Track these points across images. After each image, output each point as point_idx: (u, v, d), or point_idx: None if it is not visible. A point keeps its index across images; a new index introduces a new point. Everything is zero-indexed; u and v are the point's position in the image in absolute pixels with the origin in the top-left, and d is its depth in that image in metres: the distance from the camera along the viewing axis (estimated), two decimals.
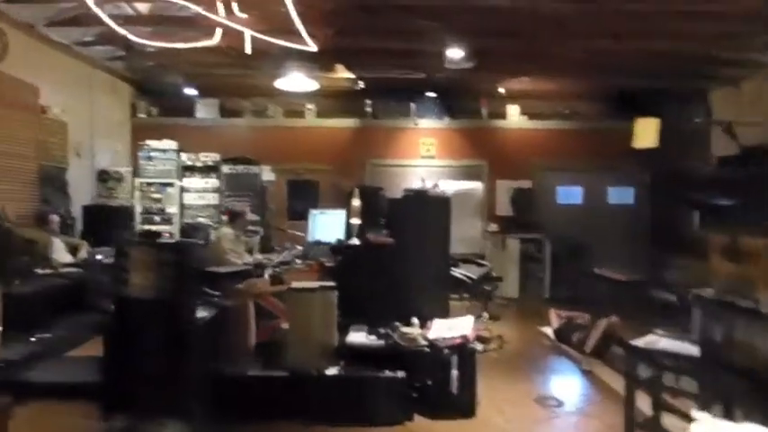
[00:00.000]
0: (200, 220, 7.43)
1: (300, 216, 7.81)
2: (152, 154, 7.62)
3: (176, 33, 7.14)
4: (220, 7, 6.01)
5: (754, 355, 2.41)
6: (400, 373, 3.91)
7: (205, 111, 9.31)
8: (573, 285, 8.24)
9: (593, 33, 6.71)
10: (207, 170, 7.65)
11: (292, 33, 5.93)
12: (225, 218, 6.13)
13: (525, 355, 5.70)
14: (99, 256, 5.99)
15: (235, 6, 6.24)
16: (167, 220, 7.40)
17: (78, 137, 7.56)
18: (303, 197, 9.33)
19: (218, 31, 6.52)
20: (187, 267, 3.63)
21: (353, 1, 6.40)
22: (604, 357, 5.17)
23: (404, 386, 3.91)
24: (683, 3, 5.79)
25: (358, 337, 4.17)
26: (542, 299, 8.58)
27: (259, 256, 4.65)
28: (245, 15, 6.35)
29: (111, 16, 6.15)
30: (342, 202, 6.24)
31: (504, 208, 9.32)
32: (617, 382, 4.61)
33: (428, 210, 4.94)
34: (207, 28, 6.78)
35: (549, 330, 6.03)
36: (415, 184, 5.23)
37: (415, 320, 4.29)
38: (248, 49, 6.25)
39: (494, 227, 9.13)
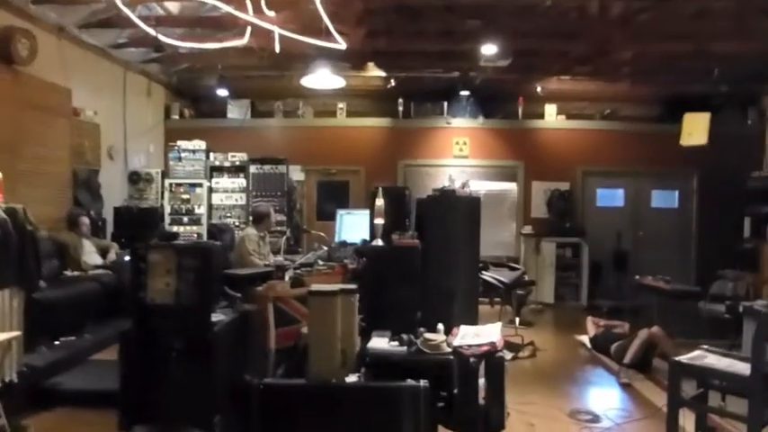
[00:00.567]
0: (227, 220, 7.39)
1: (330, 216, 7.73)
2: (182, 155, 7.63)
3: (207, 35, 7.17)
4: (250, 7, 5.98)
5: None
6: (423, 383, 3.70)
7: (237, 112, 9.32)
8: (612, 293, 7.89)
9: (642, 33, 6.38)
10: (235, 170, 7.63)
11: (323, 32, 5.85)
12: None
13: (559, 364, 5.42)
14: (128, 258, 5.98)
15: (264, 6, 6.21)
16: (195, 220, 7.39)
17: (111, 139, 7.64)
18: (333, 197, 9.25)
19: (248, 31, 6.52)
20: (207, 271, 3.53)
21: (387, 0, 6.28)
22: (645, 370, 4.86)
23: (427, 396, 3.70)
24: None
25: (380, 343, 3.98)
26: (579, 306, 8.23)
27: (280, 258, 4.54)
28: (273, 14, 6.31)
29: (142, 17, 6.21)
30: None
31: (539, 210, 9.01)
32: (658, 398, 4.31)
33: (456, 210, 4.72)
34: (237, 28, 6.79)
35: (585, 339, 5.73)
36: (442, 183, 5.01)
37: (441, 327, 4.07)
38: (278, 48, 6.19)
39: (528, 230, 8.82)
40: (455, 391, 3.76)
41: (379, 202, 4.63)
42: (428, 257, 4.60)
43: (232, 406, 3.67)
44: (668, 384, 2.87)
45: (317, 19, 5.63)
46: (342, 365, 3.89)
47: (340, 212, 7.52)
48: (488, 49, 6.61)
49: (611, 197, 9.18)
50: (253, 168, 7.59)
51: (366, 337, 4.23)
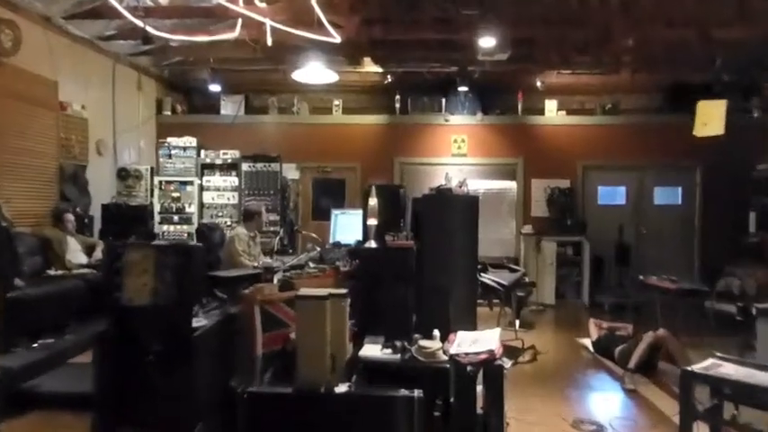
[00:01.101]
0: (219, 219, 7.18)
1: (326, 216, 7.53)
2: (172, 152, 7.42)
3: (198, 27, 6.95)
4: None
5: None
6: (417, 392, 3.50)
7: (230, 107, 9.11)
8: (615, 293, 7.69)
9: (643, 19, 6.17)
10: (227, 168, 7.42)
11: (315, 24, 5.64)
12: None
13: (561, 369, 5.22)
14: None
15: None
16: (186, 219, 7.19)
17: (100, 134, 7.43)
18: (329, 196, 9.06)
19: (239, 23, 6.30)
20: (187, 271, 3.32)
21: None
22: (650, 374, 4.66)
23: (422, 406, 3.50)
24: None
25: (372, 350, 3.79)
26: (581, 306, 8.04)
27: (269, 260, 4.33)
28: (264, 5, 6.09)
29: (130, 8, 5.99)
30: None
31: (539, 208, 8.80)
32: (666, 404, 4.12)
33: (453, 210, 4.52)
34: (229, 20, 6.58)
35: (587, 342, 5.53)
36: (439, 181, 4.81)
37: (437, 333, 3.87)
38: (269, 41, 5.98)
39: (529, 228, 8.62)
40: (451, 400, 3.57)
41: (373, 201, 4.42)
42: (423, 259, 4.40)
43: (216, 413, 3.48)
44: (680, 396, 2.68)
45: (309, 10, 5.43)
46: (331, 372, 3.70)
47: (335, 212, 7.28)
48: (486, 42, 6.39)
49: (613, 194, 8.99)
50: (245, 166, 7.38)
51: (358, 342, 4.04)
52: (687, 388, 2.60)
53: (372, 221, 4.43)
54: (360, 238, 5.12)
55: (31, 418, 3.83)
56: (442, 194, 4.47)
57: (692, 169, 8.68)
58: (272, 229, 7.11)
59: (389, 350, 3.76)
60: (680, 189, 8.90)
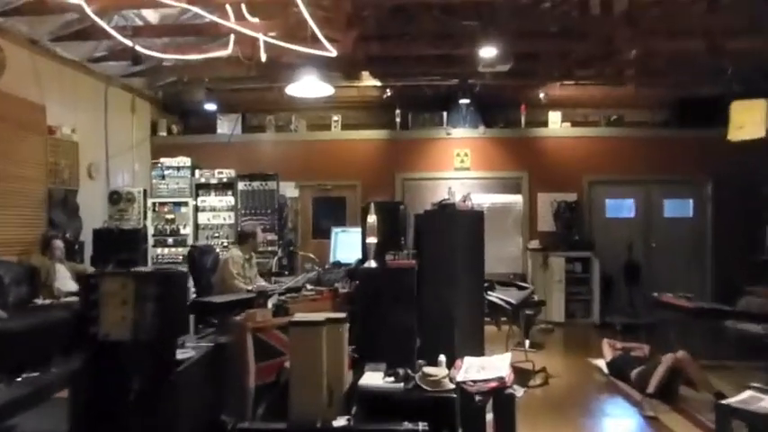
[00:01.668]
0: (214, 241, 6.95)
1: (326, 234, 7.31)
2: (165, 172, 7.22)
3: (190, 45, 6.80)
4: (231, 14, 5.59)
5: None
6: (422, 425, 3.22)
7: (227, 127, 8.94)
8: (625, 309, 7.39)
9: (649, 31, 5.97)
10: (222, 187, 7.20)
11: (310, 39, 5.47)
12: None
13: (575, 393, 4.91)
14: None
15: (246, 11, 5.81)
16: (181, 242, 6.96)
17: (91, 157, 7.23)
18: (329, 214, 8.84)
19: (231, 39, 6.13)
20: (169, 300, 3.07)
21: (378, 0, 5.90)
22: (671, 400, 4.36)
23: None
24: None
25: (373, 379, 3.52)
26: (591, 323, 7.73)
27: (262, 282, 4.08)
28: (257, 20, 5.92)
29: (118, 28, 5.83)
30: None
31: (546, 223, 8.54)
32: None
33: (457, 226, 4.28)
34: (221, 38, 6.42)
35: (601, 363, 5.23)
36: (442, 197, 4.57)
37: (442, 359, 3.61)
38: (263, 57, 5.81)
39: (535, 244, 8.35)
40: None
41: (372, 219, 4.19)
42: (426, 279, 4.16)
43: None
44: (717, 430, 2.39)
45: (304, 25, 5.25)
46: (328, 405, 3.42)
47: (335, 230, 7.09)
48: (487, 52, 6.20)
49: (621, 207, 8.72)
50: (241, 185, 7.16)
51: (358, 370, 3.77)
52: (724, 424, 2.31)
53: (371, 240, 4.19)
54: (360, 257, 4.88)
55: None
56: (445, 210, 4.24)
57: (703, 182, 8.42)
58: (269, 249, 6.87)
59: (392, 379, 3.49)
60: (691, 201, 8.63)
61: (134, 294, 2.99)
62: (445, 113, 8.77)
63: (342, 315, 3.67)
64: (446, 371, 3.48)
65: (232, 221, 7.10)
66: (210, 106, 8.79)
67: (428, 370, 3.43)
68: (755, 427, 2.19)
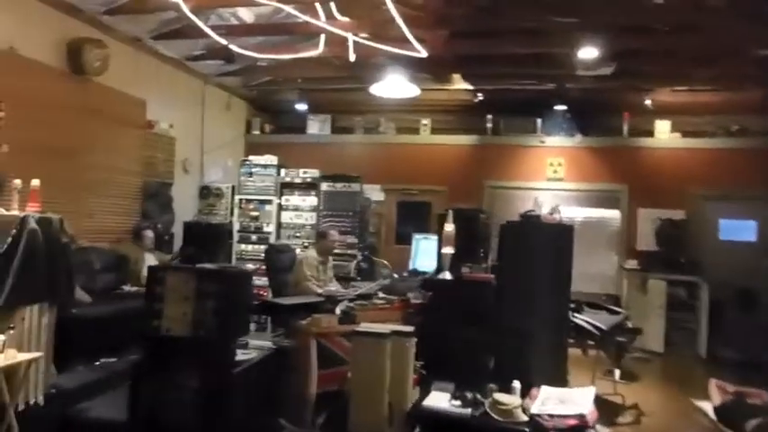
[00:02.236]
0: (296, 240, 6.94)
1: (409, 240, 7.12)
2: (253, 170, 7.33)
3: (282, 45, 6.88)
4: (321, 13, 5.54)
5: None
6: None
7: (317, 127, 9.02)
8: (739, 346, 6.53)
9: None
10: (306, 187, 7.19)
11: (400, 39, 5.32)
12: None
13: None
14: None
15: (336, 11, 5.75)
16: (264, 239, 7.02)
17: (187, 152, 7.51)
18: (413, 220, 8.62)
19: (322, 39, 6.11)
20: (230, 299, 3.00)
21: None
22: None
23: None
24: None
25: (439, 400, 3.26)
26: (696, 359, 6.93)
27: (332, 287, 3.94)
28: (346, 19, 5.85)
29: (214, 27, 5.97)
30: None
31: (646, 242, 7.82)
32: None
33: (542, 240, 3.91)
34: (312, 38, 6.42)
35: (707, 407, 4.59)
36: (528, 206, 4.21)
37: (517, 385, 3.28)
38: (352, 57, 5.73)
39: (633, 264, 7.67)
40: None
41: (449, 227, 3.93)
42: (505, 294, 3.82)
43: None
44: None
45: (392, 25, 5.09)
46: (389, 423, 3.22)
47: (416, 237, 6.88)
48: (587, 53, 5.72)
49: (739, 228, 7.76)
50: (324, 185, 7.12)
51: (425, 388, 3.53)
52: None
53: (448, 250, 3.93)
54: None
55: None
56: (529, 222, 3.88)
57: None
58: (348, 252, 6.77)
59: (459, 402, 3.21)
60: None
61: (195, 291, 2.95)
62: (539, 120, 8.29)
63: (409, 328, 3.45)
64: (520, 400, 3.16)
65: (313, 222, 7.08)
66: (301, 106, 8.90)
67: (500, 397, 3.13)
68: None
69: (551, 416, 2.97)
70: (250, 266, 6.45)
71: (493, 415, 3.05)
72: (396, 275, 5.59)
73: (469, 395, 3.20)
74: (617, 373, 5.43)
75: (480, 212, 4.53)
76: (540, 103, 8.08)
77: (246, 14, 6.30)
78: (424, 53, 5.55)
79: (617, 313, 5.29)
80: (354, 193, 7.05)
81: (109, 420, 3.70)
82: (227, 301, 2.94)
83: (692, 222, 7.66)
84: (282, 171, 7.30)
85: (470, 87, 8.01)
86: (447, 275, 3.85)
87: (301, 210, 7.18)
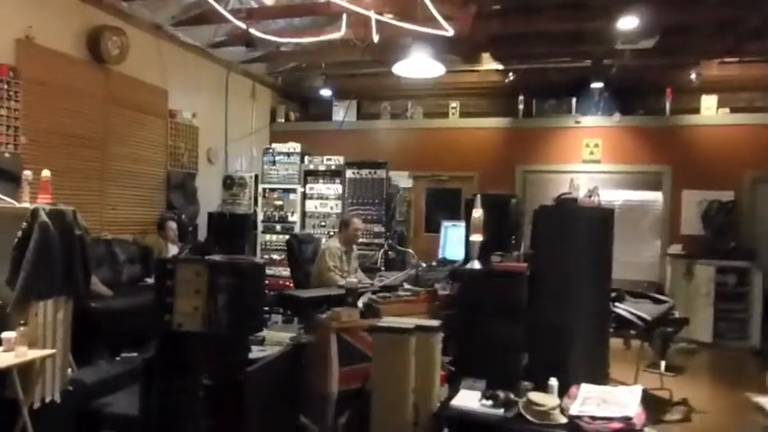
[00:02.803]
0: (315, 230, 6.76)
1: (438, 228, 6.87)
2: (276, 158, 7.16)
3: (304, 29, 6.67)
4: None
5: None
6: None
7: (343, 113, 8.80)
8: None
9: None
10: (330, 175, 6.99)
11: (426, 18, 5.05)
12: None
13: None
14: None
15: None
16: (289, 229, 6.87)
17: (211, 142, 7.40)
18: (443, 207, 8.35)
19: (344, 20, 5.89)
20: (244, 293, 2.82)
21: None
22: None
23: None
24: None
25: (469, 399, 3.02)
26: (748, 349, 6.50)
27: (353, 279, 3.73)
28: None
29: (233, 11, 5.81)
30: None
31: (692, 226, 7.37)
32: None
33: (580, 225, 3.60)
34: (334, 19, 6.19)
35: (765, 402, 4.23)
36: (562, 190, 3.90)
37: (554, 382, 3.01)
38: (375, 38, 5.48)
39: (677, 249, 7.24)
40: None
41: (477, 213, 3.66)
42: (540, 284, 3.54)
43: None
44: None
45: (418, 2, 4.83)
46: (413, 424, 3.00)
47: (445, 224, 6.61)
48: (628, 23, 5.32)
49: None
50: (349, 173, 6.90)
51: (454, 386, 3.30)
52: None
53: (476, 237, 3.67)
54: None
55: None
56: (565, 205, 3.58)
57: None
58: (375, 241, 6.56)
59: (490, 402, 2.96)
60: None
61: (207, 284, 2.78)
62: (574, 100, 7.89)
63: (435, 323, 3.21)
64: (557, 400, 2.89)
65: (339, 210, 6.88)
66: (327, 93, 8.70)
67: (535, 397, 2.87)
68: None
69: (593, 418, 2.70)
70: (274, 257, 6.31)
71: (527, 416, 2.79)
72: (424, 265, 5.35)
73: (502, 394, 2.95)
74: (662, 365, 5.09)
75: (511, 197, 4.23)
76: (575, 82, 7.68)
77: None
78: (451, 32, 5.25)
79: (662, 302, 4.94)
80: (381, 180, 6.82)
81: (123, 416, 3.61)
82: (239, 296, 2.75)
83: (743, 204, 7.17)
84: (306, 158, 7.11)
85: (501, 67, 7.68)
86: (476, 265, 3.59)
87: (326, 198, 6.99)
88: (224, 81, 7.68)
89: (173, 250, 5.87)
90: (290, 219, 6.97)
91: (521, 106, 8.12)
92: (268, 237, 7.03)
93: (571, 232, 3.46)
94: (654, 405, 4.14)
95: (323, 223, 6.92)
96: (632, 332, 5.13)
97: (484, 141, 8.35)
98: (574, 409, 2.82)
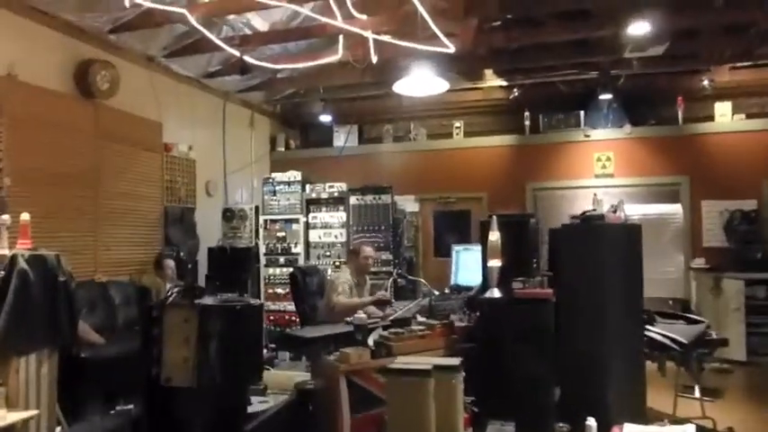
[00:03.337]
0: (320, 261, 6.46)
1: (448, 253, 6.58)
2: (276, 188, 6.90)
3: (300, 54, 6.48)
4: (337, 12, 5.11)
5: None
6: None
7: (344, 138, 8.59)
8: None
9: None
10: (333, 202, 6.71)
11: (426, 36, 4.84)
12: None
13: None
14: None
15: (352, 8, 5.30)
16: (292, 261, 6.57)
17: (209, 174, 7.17)
18: (452, 230, 8.09)
19: (341, 41, 5.70)
20: (238, 340, 2.52)
21: None
22: None
23: None
24: None
25: None
26: None
27: (362, 315, 3.41)
28: (365, 17, 5.39)
29: (226, 39, 5.62)
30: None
31: (715, 237, 7.04)
32: None
33: (607, 244, 3.30)
34: (330, 42, 6.01)
35: None
36: (585, 207, 3.61)
37: (592, 423, 2.68)
38: (374, 59, 5.28)
39: (701, 263, 6.89)
40: None
41: (494, 236, 3.36)
42: (565, 311, 3.22)
43: None
44: None
45: (416, 20, 4.62)
46: None
47: (455, 248, 6.33)
48: (638, 29, 5.09)
49: None
50: (353, 199, 6.63)
51: (478, 429, 2.96)
52: None
53: (494, 263, 3.36)
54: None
55: None
56: (591, 223, 3.28)
57: None
58: (383, 270, 6.25)
59: None
60: None
61: (197, 331, 2.48)
62: (582, 113, 7.64)
63: (455, 361, 2.89)
64: None
65: (344, 239, 6.59)
66: (326, 118, 8.50)
67: None
68: None
69: None
70: (279, 291, 6.00)
71: None
72: (436, 292, 5.03)
73: None
74: (697, 389, 4.71)
75: (530, 217, 3.93)
76: (582, 95, 7.46)
77: (260, 23, 5.91)
78: (453, 48, 5.04)
79: (696, 322, 4.59)
80: (386, 206, 6.53)
81: None
82: (233, 342, 2.46)
83: (766, 212, 6.84)
84: (308, 187, 6.85)
85: (504, 83, 7.48)
86: (495, 293, 3.28)
87: (330, 227, 6.70)
88: (221, 111, 7.48)
89: None
90: (294, 250, 6.68)
91: (527, 122, 7.88)
92: (271, 270, 6.73)
93: (599, 252, 3.16)
94: None
95: (327, 253, 6.63)
96: (666, 355, 4.77)
97: (491, 160, 8.09)
98: None
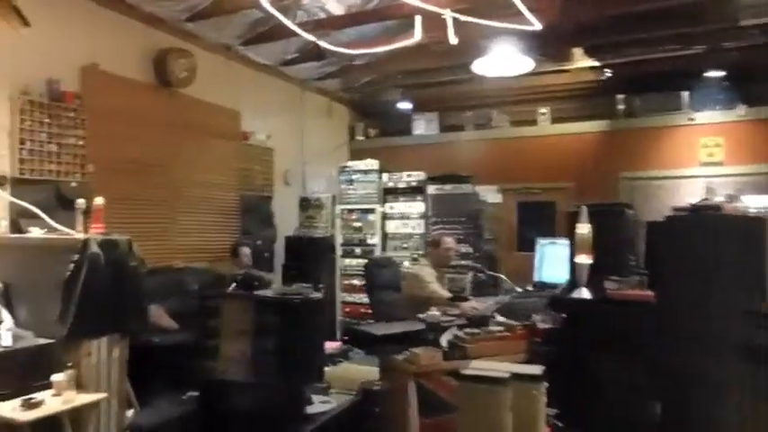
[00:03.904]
0: (397, 252, 6.23)
1: (532, 246, 6.16)
2: (353, 177, 6.74)
3: (376, 39, 6.27)
4: None
5: None
6: None
7: (423, 126, 8.35)
8: None
9: None
10: (411, 192, 6.46)
11: (509, 13, 4.49)
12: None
13: None
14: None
15: None
16: (369, 252, 6.39)
17: (287, 164, 7.14)
18: (536, 222, 7.60)
19: (418, 22, 5.43)
20: (296, 336, 2.33)
21: None
22: None
23: None
24: None
25: None
26: None
27: (435, 312, 3.14)
28: None
29: (302, 24, 5.51)
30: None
31: None
32: None
33: (724, 240, 2.82)
34: (406, 25, 5.75)
35: None
36: (694, 198, 3.12)
37: None
38: (453, 39, 4.97)
39: None
40: None
41: (584, 229, 2.98)
42: (668, 316, 2.79)
43: None
44: None
45: None
46: None
47: (540, 242, 5.86)
48: None
49: None
50: (431, 189, 6.34)
51: None
52: None
53: (583, 260, 2.98)
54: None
55: None
56: (705, 216, 2.81)
57: None
58: (462, 263, 5.93)
59: None
60: None
61: (253, 324, 2.32)
62: (686, 93, 6.90)
63: (537, 369, 2.56)
64: None
65: (422, 230, 6.32)
66: (405, 106, 8.26)
67: None
68: None
69: None
70: (355, 282, 5.83)
71: None
72: (518, 289, 4.67)
73: None
74: None
75: (626, 206, 3.48)
76: (685, 73, 6.71)
77: (335, 7, 5.75)
78: (539, 26, 4.63)
79: None
80: (466, 196, 6.20)
81: None
82: (290, 338, 2.27)
83: None
84: (385, 176, 6.63)
85: (595, 64, 6.87)
86: (584, 293, 2.90)
87: (408, 217, 6.44)
88: (298, 100, 7.44)
89: None
90: (370, 241, 6.50)
91: (621, 106, 7.27)
92: (347, 261, 6.59)
93: (715, 249, 2.69)
94: None
95: (405, 245, 6.38)
96: None
97: (579, 148, 7.54)
98: None
